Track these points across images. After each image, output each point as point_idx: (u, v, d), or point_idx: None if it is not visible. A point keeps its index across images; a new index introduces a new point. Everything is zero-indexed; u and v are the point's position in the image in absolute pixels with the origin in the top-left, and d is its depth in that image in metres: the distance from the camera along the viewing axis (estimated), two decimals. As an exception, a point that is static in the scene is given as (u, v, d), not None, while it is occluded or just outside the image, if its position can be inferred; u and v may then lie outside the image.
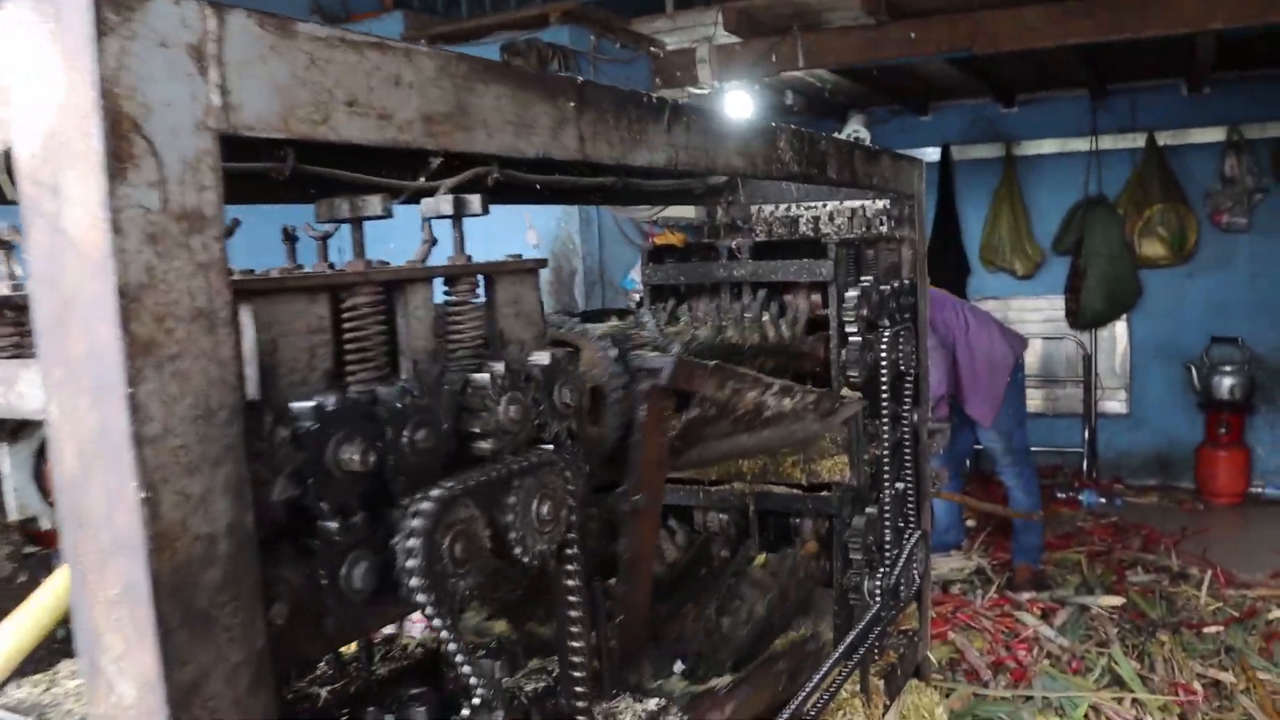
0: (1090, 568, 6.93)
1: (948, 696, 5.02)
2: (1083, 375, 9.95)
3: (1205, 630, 5.82)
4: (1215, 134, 9.37)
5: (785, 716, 2.70)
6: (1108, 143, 9.72)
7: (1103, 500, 8.92)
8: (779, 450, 3.16)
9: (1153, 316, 9.89)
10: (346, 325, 1.55)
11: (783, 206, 4.08)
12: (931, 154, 10.12)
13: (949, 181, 10.21)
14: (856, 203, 3.97)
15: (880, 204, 3.93)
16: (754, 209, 4.15)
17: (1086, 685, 5.08)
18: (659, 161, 2.08)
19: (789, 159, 2.69)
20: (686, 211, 4.73)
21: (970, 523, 7.71)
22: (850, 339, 3.26)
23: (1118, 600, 6.18)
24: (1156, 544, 7.60)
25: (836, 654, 3.04)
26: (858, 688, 3.34)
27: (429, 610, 1.54)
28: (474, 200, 1.71)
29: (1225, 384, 9.24)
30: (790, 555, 3.40)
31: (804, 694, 2.78)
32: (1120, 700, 4.93)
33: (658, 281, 3.56)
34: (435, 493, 1.52)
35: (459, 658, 1.59)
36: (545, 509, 1.71)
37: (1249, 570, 6.82)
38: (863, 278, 3.36)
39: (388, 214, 1.55)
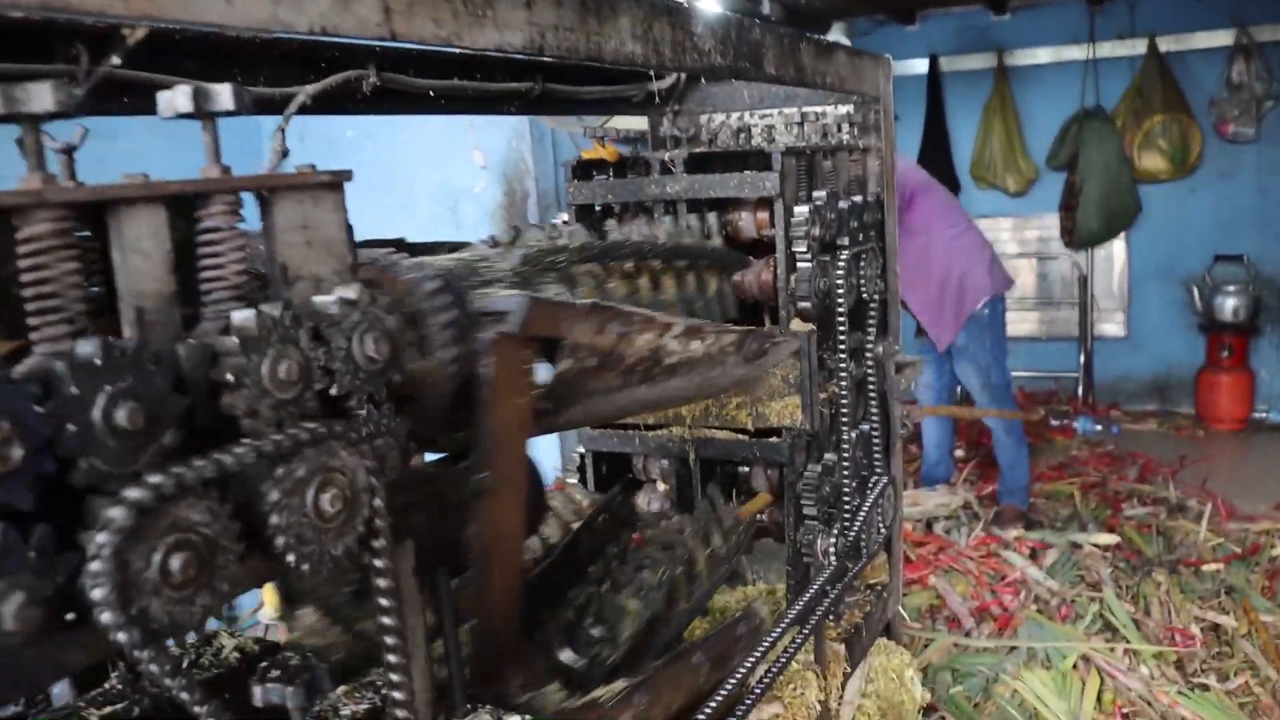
0: (1084, 501, 6.56)
1: (926, 647, 4.68)
2: (1078, 296, 9.49)
3: (1204, 568, 5.45)
4: (1222, 37, 8.80)
5: (716, 703, 2.32)
6: (1106, 50, 9.16)
7: (1098, 427, 8.52)
8: (695, 402, 2.71)
9: (1152, 234, 9.40)
10: (22, 265, 1.13)
11: (735, 115, 3.62)
12: (919, 66, 9.57)
13: (937, 95, 9.67)
14: (818, 108, 3.50)
15: (844, 109, 3.46)
16: (704, 119, 3.68)
17: (1075, 634, 4.72)
18: (515, 44, 1.63)
19: (709, 48, 2.23)
20: (640, 123, 4.26)
21: (959, 453, 7.34)
22: (800, 262, 2.82)
23: (1111, 539, 5.81)
24: (1154, 474, 7.23)
25: (782, 626, 2.65)
26: (811, 658, 2.95)
27: (138, 652, 1.14)
28: (221, 93, 1.26)
29: (1229, 305, 8.80)
30: (710, 515, 2.96)
31: (736, 678, 2.39)
32: (1113, 650, 4.57)
33: (584, 200, 3.12)
34: (133, 493, 1.11)
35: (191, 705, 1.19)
36: (329, 497, 1.29)
37: (1251, 502, 6.45)
38: (816, 193, 2.91)
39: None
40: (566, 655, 2.24)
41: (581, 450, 3.34)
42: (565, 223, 3.05)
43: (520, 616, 2.04)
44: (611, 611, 2.43)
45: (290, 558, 1.29)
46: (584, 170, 3.12)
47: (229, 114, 1.29)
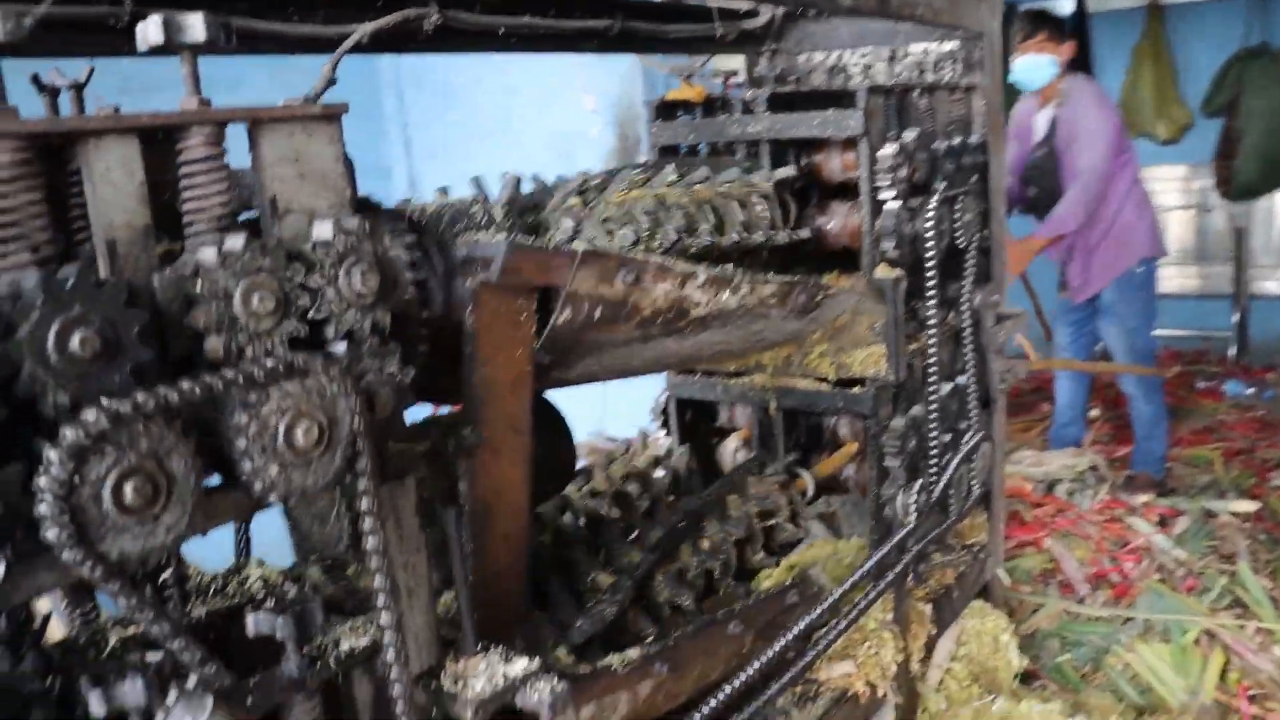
0: (1225, 469, 6.19)
1: (1034, 613, 4.49)
2: (1233, 251, 8.94)
3: (1356, 546, 5.09)
4: None
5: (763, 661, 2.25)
6: (1276, -20, 8.54)
7: (1249, 390, 8.02)
8: (745, 355, 2.59)
9: (1320, 185, 8.75)
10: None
11: (833, 54, 3.47)
12: (1065, 5, 9.09)
13: (1084, 37, 9.14)
14: (920, 45, 3.33)
15: (948, 47, 3.28)
16: (801, 58, 3.54)
17: (1200, 608, 4.46)
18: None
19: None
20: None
21: (1094, 412, 7.01)
22: (885, 205, 2.69)
23: (1252, 506, 5.47)
24: (1308, 442, 6.77)
25: (855, 577, 2.56)
26: (890, 617, 2.84)
27: (98, 582, 1.13)
28: (192, 23, 1.23)
29: (1398, 263, 8.18)
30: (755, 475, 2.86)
31: (789, 638, 2.31)
32: (1242, 627, 4.30)
33: (667, 141, 3.04)
34: (89, 415, 1.09)
35: (157, 634, 1.18)
36: (302, 430, 1.26)
37: None
38: (906, 131, 2.77)
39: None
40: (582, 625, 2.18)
41: (665, 396, 3.28)
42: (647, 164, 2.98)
43: (528, 577, 1.97)
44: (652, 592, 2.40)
45: (257, 488, 1.27)
46: (667, 110, 3.03)
47: (204, 47, 1.26)
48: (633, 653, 2.04)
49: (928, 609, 3.11)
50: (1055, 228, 5.48)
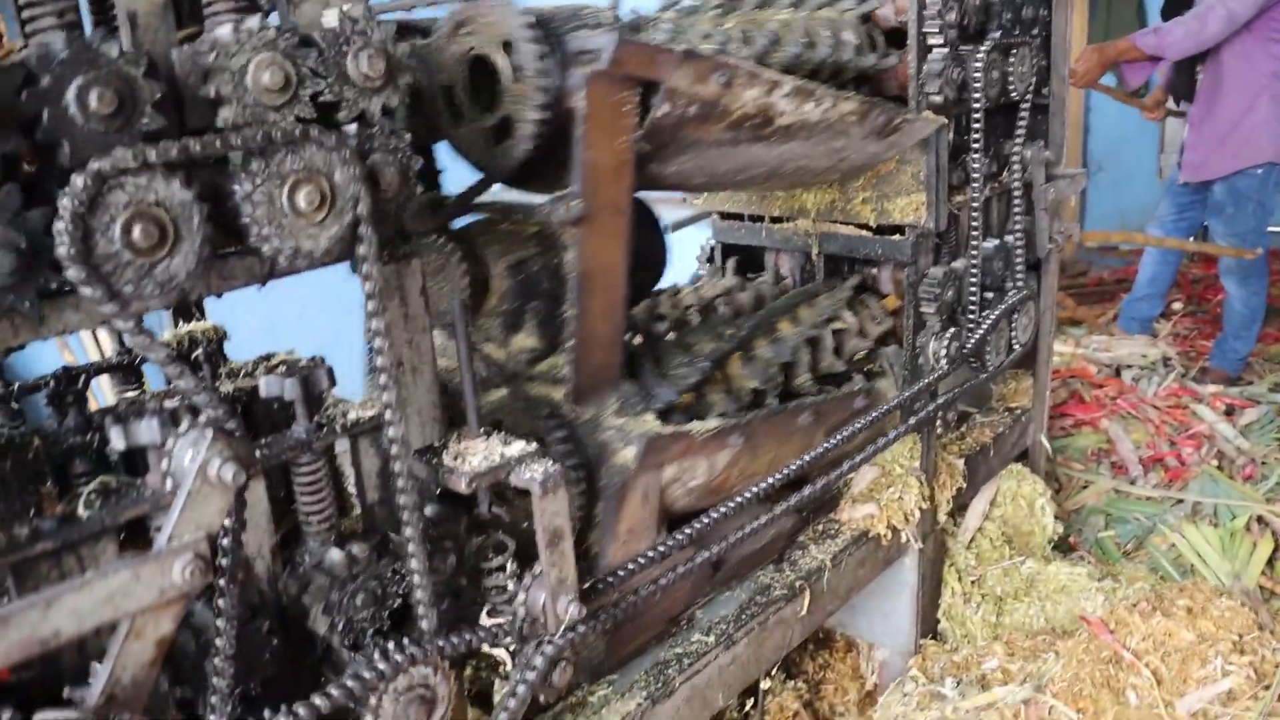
0: (1306, 368, 6.04)
1: (1083, 489, 4.50)
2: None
3: None
4: None
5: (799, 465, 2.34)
6: None
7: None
8: (826, 178, 2.64)
9: None
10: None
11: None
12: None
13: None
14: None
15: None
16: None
17: (1255, 495, 4.42)
18: None
19: None
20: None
21: (1176, 305, 6.85)
22: (932, 50, 2.67)
23: (1326, 403, 5.35)
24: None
25: (877, 412, 2.62)
26: (917, 464, 2.90)
27: (114, 318, 1.24)
28: None
29: None
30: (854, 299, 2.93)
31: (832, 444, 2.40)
32: (1296, 514, 4.26)
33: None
34: (100, 163, 1.19)
35: (171, 373, 1.29)
36: (304, 194, 1.35)
37: None
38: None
39: None
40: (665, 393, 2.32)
41: (712, 243, 3.33)
42: None
43: (623, 350, 2.16)
44: (730, 373, 2.50)
45: (266, 250, 1.36)
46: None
47: None
48: (712, 422, 2.24)
49: (960, 463, 3.16)
50: (1147, 43, 5.03)
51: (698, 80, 2.05)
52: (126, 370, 2.03)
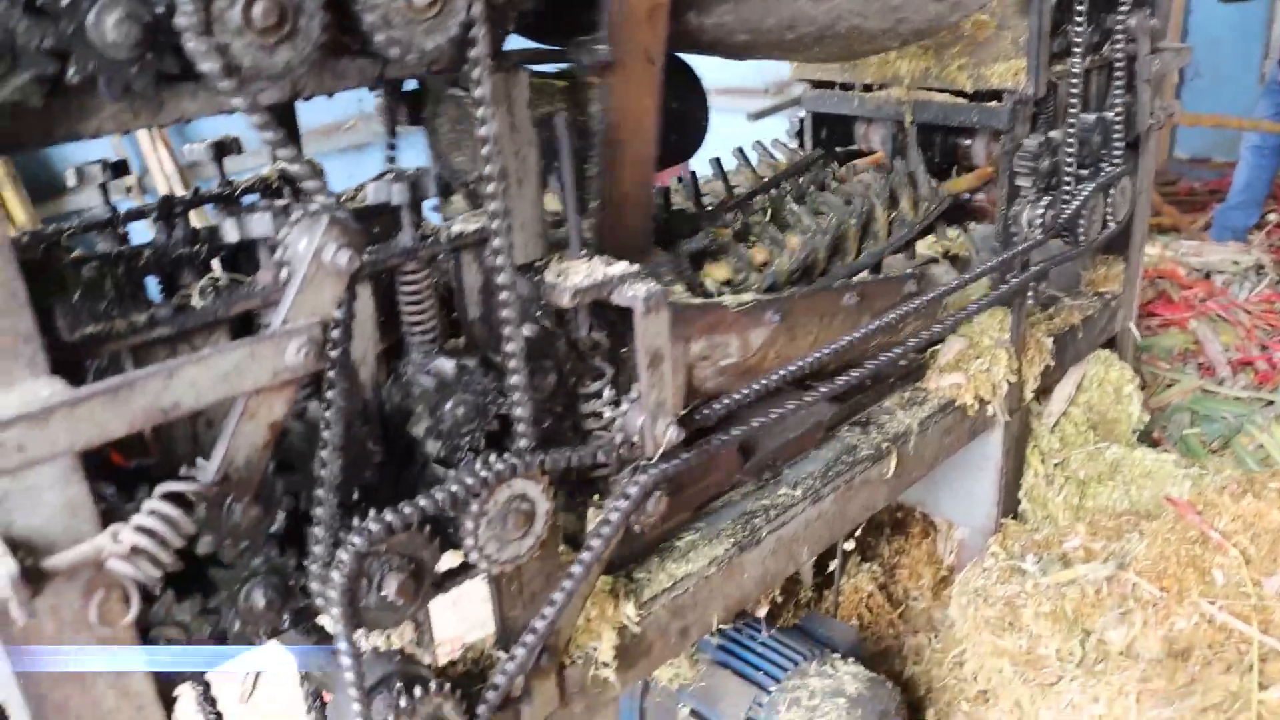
0: None
1: (1169, 387, 4.42)
2: None
3: None
4: None
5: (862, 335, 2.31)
6: None
7: None
8: (883, 41, 2.54)
9: None
10: None
11: None
12: None
13: None
14: None
15: None
16: None
17: (1347, 398, 4.32)
18: None
19: None
20: None
21: (1272, 215, 6.65)
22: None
23: None
24: None
25: (967, 275, 2.58)
26: (1006, 336, 2.86)
27: (223, 83, 1.24)
28: None
29: None
30: (904, 177, 2.86)
31: (891, 319, 2.36)
32: (1393, 418, 4.16)
33: None
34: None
35: (284, 156, 1.29)
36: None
37: None
38: None
39: None
40: (711, 271, 2.27)
41: (801, 115, 3.28)
42: None
43: (652, 212, 2.07)
44: (767, 241, 2.43)
45: (378, 41, 1.35)
46: None
47: None
48: (746, 296, 2.14)
49: (1048, 341, 3.11)
50: None
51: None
52: (227, 201, 2.05)
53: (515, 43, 1.74)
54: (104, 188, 1.95)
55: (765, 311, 2.15)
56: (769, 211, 2.54)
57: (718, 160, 2.94)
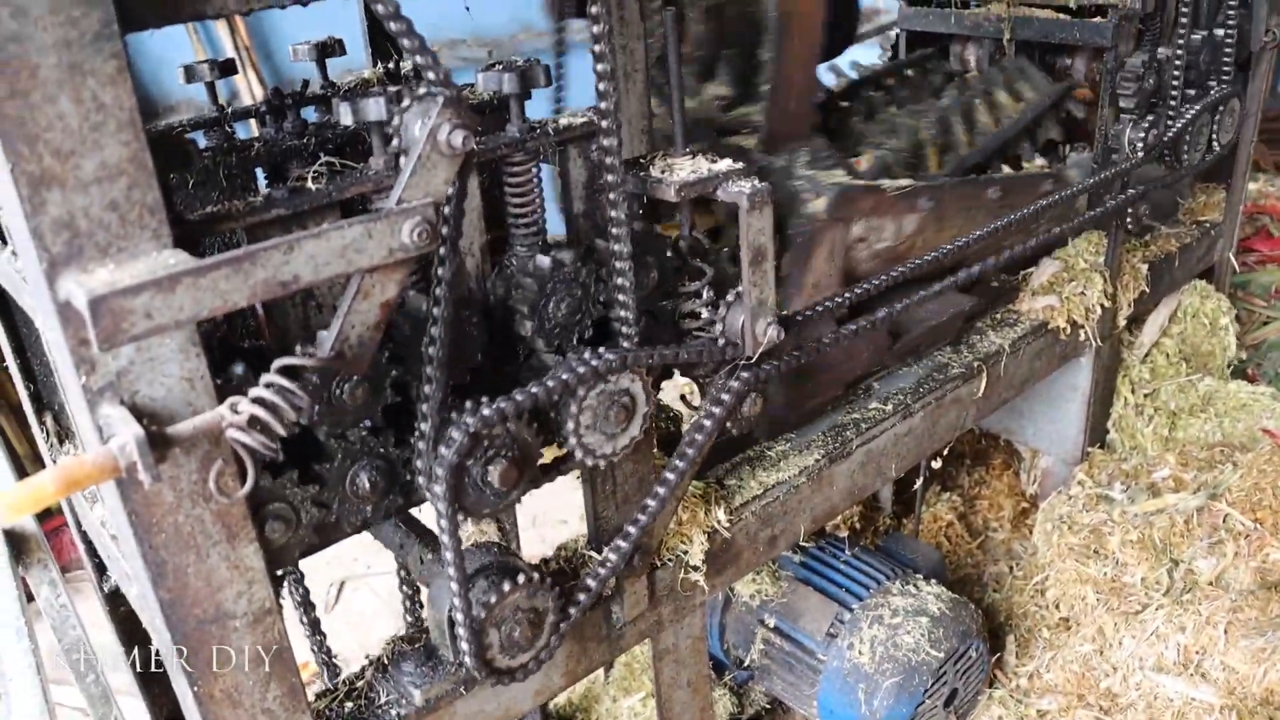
0: None
1: (1265, 324, 4.31)
2: None
3: None
4: None
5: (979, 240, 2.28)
6: None
7: None
8: None
9: None
10: None
11: None
12: None
13: None
14: None
15: None
16: None
17: None
18: None
19: None
20: None
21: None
22: None
23: None
24: None
25: (1063, 194, 2.53)
26: (1101, 260, 2.81)
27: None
28: None
29: None
30: (1018, 71, 2.83)
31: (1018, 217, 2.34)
32: None
33: None
34: None
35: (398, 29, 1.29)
36: None
37: None
38: None
39: None
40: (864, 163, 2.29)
41: (895, 31, 3.22)
42: None
43: (815, 99, 2.13)
44: (902, 128, 2.45)
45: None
46: None
47: None
48: (904, 181, 2.20)
49: (1144, 267, 3.04)
50: None
51: None
52: (329, 101, 2.07)
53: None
54: (211, 86, 1.98)
55: (919, 197, 2.24)
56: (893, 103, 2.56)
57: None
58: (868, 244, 2.20)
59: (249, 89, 5.33)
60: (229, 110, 1.96)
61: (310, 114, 2.08)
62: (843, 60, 3.01)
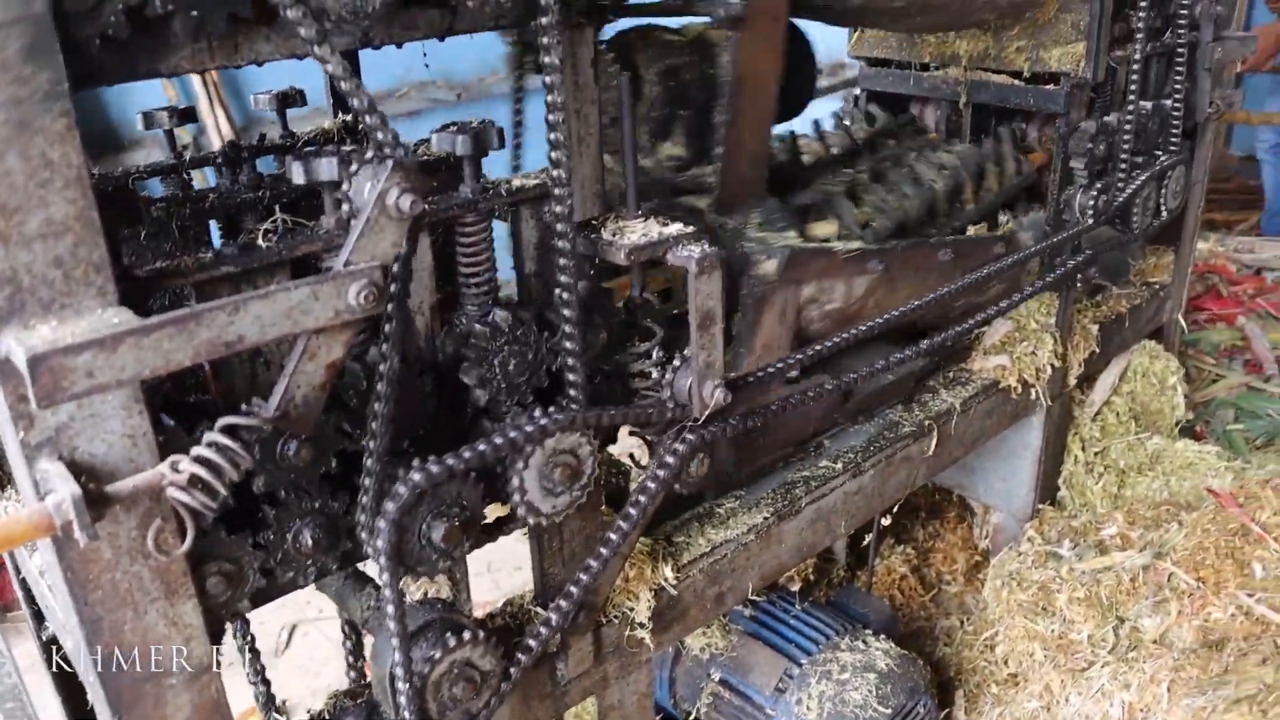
0: None
1: (1214, 382, 4.38)
2: None
3: None
4: None
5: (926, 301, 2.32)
6: None
7: None
8: (981, 13, 2.56)
9: None
10: None
11: None
12: None
13: None
14: None
15: None
16: None
17: (1396, 400, 4.26)
18: None
19: None
20: None
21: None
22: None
23: None
24: None
25: (1015, 256, 2.57)
26: (1053, 320, 2.85)
27: (303, 25, 1.26)
28: None
29: None
30: (994, 148, 2.89)
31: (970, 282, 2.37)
32: None
33: None
34: None
35: (347, 89, 1.31)
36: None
37: None
38: None
39: None
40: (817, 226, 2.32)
41: (857, 92, 3.27)
42: None
43: (768, 162, 2.15)
44: (868, 201, 2.48)
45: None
46: None
47: None
48: (854, 243, 2.23)
49: (1094, 328, 3.09)
50: None
51: None
52: (289, 151, 2.07)
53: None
54: (170, 134, 1.98)
55: (870, 259, 2.25)
56: (868, 174, 2.58)
57: (817, 122, 3.01)
58: (819, 304, 2.23)
59: (216, 126, 5.34)
60: (186, 158, 1.97)
61: (270, 163, 2.10)
62: (805, 120, 3.05)
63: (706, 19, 2.02)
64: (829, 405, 2.41)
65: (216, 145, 5.93)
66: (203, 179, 3.00)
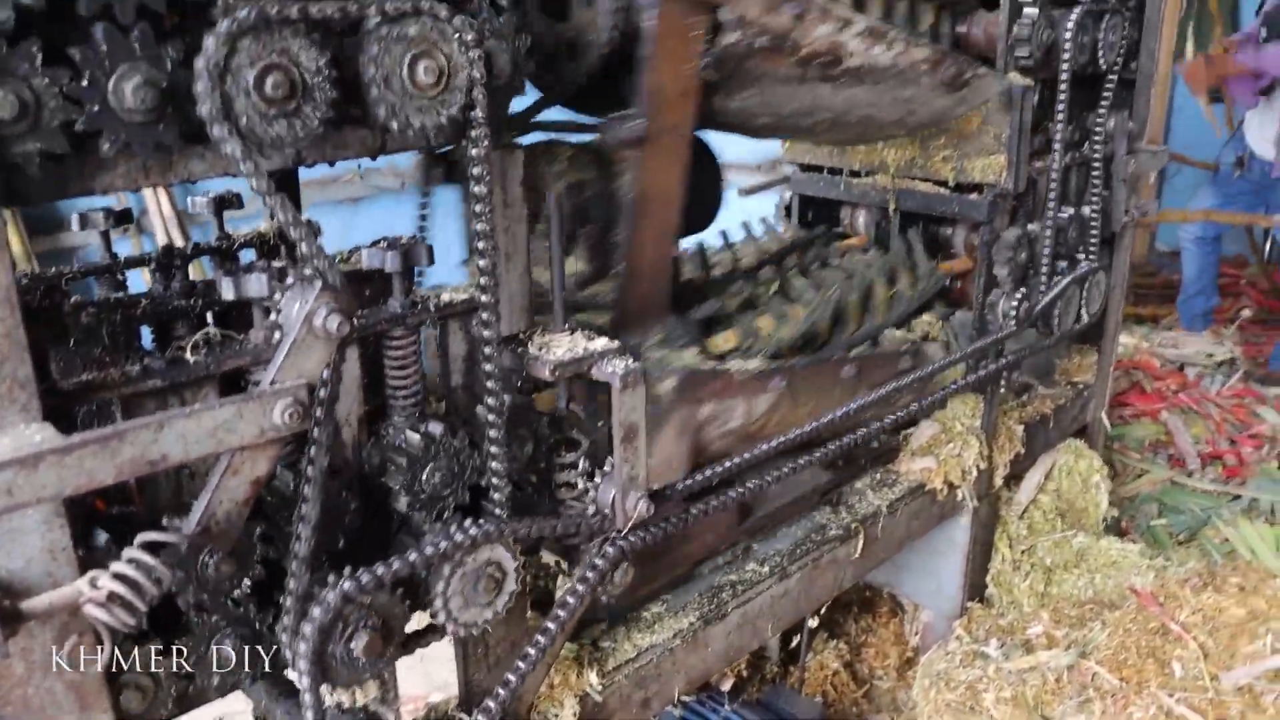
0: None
1: (1138, 477, 4.48)
2: None
3: None
4: None
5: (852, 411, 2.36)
6: None
7: None
8: (891, 131, 2.65)
9: None
10: None
11: None
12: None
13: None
14: None
15: None
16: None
17: (1313, 495, 4.38)
18: None
19: None
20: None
21: (1246, 311, 6.77)
22: (1024, 10, 2.68)
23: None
24: None
25: (939, 362, 2.64)
26: (978, 422, 2.92)
27: (238, 161, 1.30)
28: None
29: None
30: (906, 253, 2.96)
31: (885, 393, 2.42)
32: (1356, 518, 4.22)
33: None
34: (241, 11, 1.25)
35: (283, 221, 1.35)
36: (424, 67, 1.41)
37: None
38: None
39: None
40: (720, 338, 2.34)
41: (789, 193, 3.36)
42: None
43: (670, 280, 2.17)
44: (773, 311, 2.51)
45: (380, 115, 1.42)
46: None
47: None
48: (753, 363, 2.23)
49: (1019, 429, 3.17)
50: (1265, 61, 5.30)
51: (769, 10, 2.05)
52: (224, 255, 2.10)
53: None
54: (105, 235, 2.00)
55: (770, 379, 2.25)
56: (775, 283, 2.63)
57: (724, 233, 3.07)
58: (719, 423, 2.21)
59: (159, 209, 5.35)
60: (121, 260, 1.99)
61: (208, 263, 2.13)
62: (734, 221, 3.12)
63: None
64: (725, 526, 2.41)
65: (158, 226, 5.95)
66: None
